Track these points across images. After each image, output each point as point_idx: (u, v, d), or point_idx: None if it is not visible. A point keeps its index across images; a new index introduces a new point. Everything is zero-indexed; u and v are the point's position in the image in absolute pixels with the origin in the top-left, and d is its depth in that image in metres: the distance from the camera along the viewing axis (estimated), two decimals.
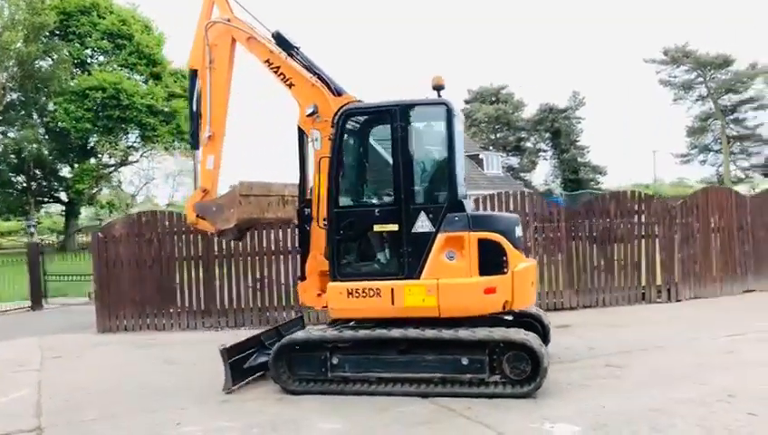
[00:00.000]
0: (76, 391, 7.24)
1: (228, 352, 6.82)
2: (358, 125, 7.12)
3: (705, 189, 13.13)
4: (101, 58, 45.36)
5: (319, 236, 7.01)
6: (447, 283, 6.37)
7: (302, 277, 7.23)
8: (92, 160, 45.88)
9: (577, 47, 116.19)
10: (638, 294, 11.55)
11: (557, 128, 60.84)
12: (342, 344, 6.63)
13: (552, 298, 11.15)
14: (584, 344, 8.28)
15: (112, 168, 48.16)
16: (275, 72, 7.22)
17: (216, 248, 10.97)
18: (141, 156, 47.65)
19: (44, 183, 46.71)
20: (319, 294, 7.08)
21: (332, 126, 6.77)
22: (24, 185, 45.48)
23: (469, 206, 6.94)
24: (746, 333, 8.65)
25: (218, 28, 7.58)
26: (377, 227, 6.66)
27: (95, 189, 46.25)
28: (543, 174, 64.86)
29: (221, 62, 7.58)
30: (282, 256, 10.91)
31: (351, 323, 6.92)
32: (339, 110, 6.83)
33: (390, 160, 6.74)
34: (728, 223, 12.24)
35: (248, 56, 7.53)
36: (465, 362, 6.30)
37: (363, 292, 6.54)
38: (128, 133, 45.88)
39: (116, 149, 46.36)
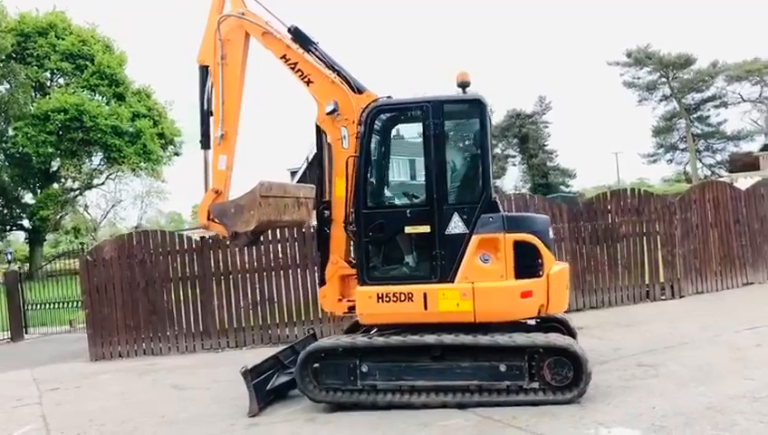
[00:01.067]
0: (87, 424, 6.77)
1: (250, 374, 6.44)
2: (388, 122, 6.85)
3: (702, 184, 13.14)
4: (61, 80, 44.31)
5: (339, 240, 6.72)
6: (483, 286, 6.10)
7: (322, 282, 6.90)
8: (56, 185, 44.70)
9: (541, 52, 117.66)
10: (643, 292, 11.47)
11: (525, 133, 61.26)
12: (373, 351, 6.29)
13: None
14: (607, 346, 8.09)
15: (77, 191, 46.99)
16: (292, 69, 6.86)
17: (212, 266, 10.56)
18: (107, 178, 46.59)
19: (6, 211, 45.32)
20: (340, 299, 6.77)
21: (360, 124, 6.47)
22: None
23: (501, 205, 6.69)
24: (766, 326, 8.56)
25: (231, 22, 7.16)
26: (408, 229, 6.36)
27: (59, 215, 45.04)
28: (513, 179, 65.21)
29: (234, 57, 7.15)
30: (282, 272, 10.54)
31: (374, 330, 6.60)
32: (367, 106, 6.52)
33: (422, 159, 6.45)
34: (725, 217, 12.26)
35: (261, 52, 7.16)
36: (502, 368, 6.04)
37: (394, 296, 6.23)
38: (92, 156, 44.85)
39: (80, 172, 45.31)
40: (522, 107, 62.90)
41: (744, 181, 24.12)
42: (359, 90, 6.76)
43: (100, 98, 43.04)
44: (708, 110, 55.77)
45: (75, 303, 16.90)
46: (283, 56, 6.92)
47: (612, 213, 11.46)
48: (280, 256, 10.56)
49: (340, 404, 6.34)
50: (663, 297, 11.48)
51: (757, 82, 53.17)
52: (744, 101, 55.19)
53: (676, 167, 59.97)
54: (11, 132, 41.76)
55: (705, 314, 9.83)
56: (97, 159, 45.03)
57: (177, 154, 45.89)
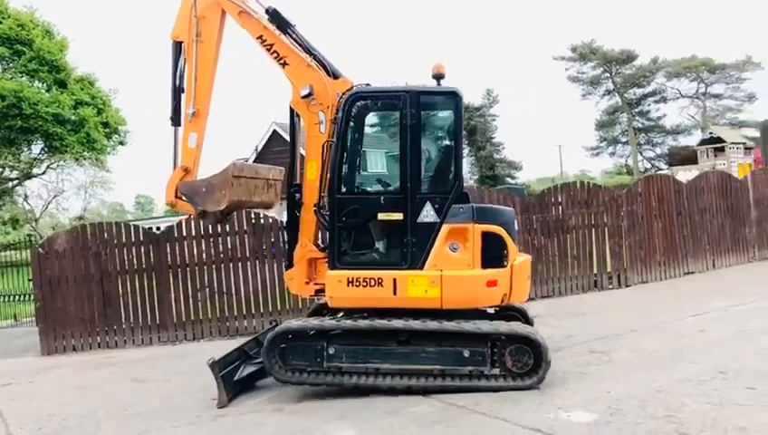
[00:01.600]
0: (48, 419, 6.68)
1: (218, 365, 6.47)
2: (365, 110, 6.94)
3: (647, 178, 13.64)
4: None
5: (309, 223, 6.83)
6: (451, 274, 6.27)
7: (289, 265, 6.98)
8: None
9: (489, 46, 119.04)
10: (591, 282, 11.90)
11: (473, 126, 61.98)
12: (340, 334, 6.41)
13: None
14: (560, 334, 8.39)
15: (15, 181, 45.43)
16: (268, 50, 6.88)
17: (169, 258, 10.46)
18: (48, 168, 45.17)
19: None
20: (307, 282, 6.88)
21: (338, 109, 6.55)
22: None
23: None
24: (708, 313, 9.04)
25: (208, 0, 7.12)
26: (381, 216, 6.47)
27: None
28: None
29: (209, 35, 7.11)
30: (240, 263, 10.52)
31: (340, 314, 6.70)
32: (346, 92, 6.60)
33: (398, 147, 6.58)
34: (669, 209, 12.79)
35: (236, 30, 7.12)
36: (466, 354, 6.24)
37: (364, 281, 6.34)
38: (31, 144, 43.39)
39: (18, 161, 43.80)
40: (469, 100, 63.61)
41: (683, 174, 25.11)
42: (335, 75, 6.84)
43: (41, 84, 41.62)
44: (649, 104, 57.80)
45: (20, 296, 16.51)
46: (260, 37, 6.93)
47: (563, 205, 11.82)
48: (237, 247, 10.54)
49: (307, 385, 6.47)
50: (610, 286, 11.93)
51: (694, 78, 55.26)
52: (683, 96, 57.35)
53: (618, 160, 61.91)
54: None
55: (651, 303, 10.28)
56: (37, 147, 43.58)
57: (121, 144, 44.80)
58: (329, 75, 6.80)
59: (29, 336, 11.80)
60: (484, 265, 6.39)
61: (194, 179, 7.04)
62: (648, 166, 56.55)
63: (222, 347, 7.68)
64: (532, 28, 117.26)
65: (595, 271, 11.98)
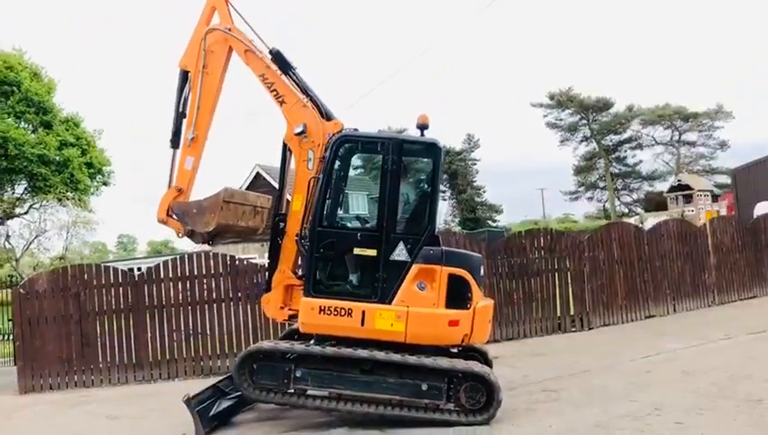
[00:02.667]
0: None
1: (193, 401, 6.85)
2: (351, 152, 7.50)
3: (609, 225, 14.26)
4: None
5: (289, 251, 7.32)
6: (417, 311, 6.75)
7: (268, 289, 7.43)
8: None
9: (470, 92, 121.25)
10: (555, 325, 12.37)
11: (454, 169, 63.16)
12: (308, 358, 6.82)
13: None
14: (518, 373, 8.84)
15: None
16: (269, 88, 7.48)
17: (146, 299, 10.83)
18: (30, 207, 45.29)
19: None
20: (282, 307, 7.33)
21: (326, 149, 7.09)
22: None
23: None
24: (659, 354, 9.54)
25: (217, 36, 7.72)
26: (356, 250, 6.97)
27: None
28: (443, 213, 66.92)
29: (215, 68, 7.71)
30: (215, 305, 10.91)
31: (312, 341, 7.08)
32: (335, 134, 7.16)
33: (378, 189, 7.13)
34: (630, 255, 13.36)
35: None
36: (424, 387, 6.67)
37: (335, 310, 6.80)
38: (15, 184, 43.62)
39: (1, 201, 43.91)
40: (451, 144, 64.90)
41: (652, 220, 25.86)
42: (328, 117, 7.44)
43: (27, 125, 42.08)
44: (625, 151, 59.41)
45: None
46: (262, 75, 7.54)
47: (527, 250, 12.37)
48: (213, 289, 10.94)
49: (271, 403, 6.91)
50: (573, 329, 12.41)
51: (668, 126, 56.87)
52: (658, 143, 58.88)
53: (597, 204, 63.09)
54: None
55: (608, 345, 10.76)
56: (21, 187, 43.85)
57: (105, 184, 45.06)
58: (322, 116, 7.41)
59: (6, 375, 12.04)
60: (449, 305, 6.88)
61: (187, 200, 7.53)
62: (626, 210, 57.79)
63: (197, 386, 7.97)
64: (512, 75, 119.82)
65: (559, 314, 12.46)
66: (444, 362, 6.72)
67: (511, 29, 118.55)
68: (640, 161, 59.61)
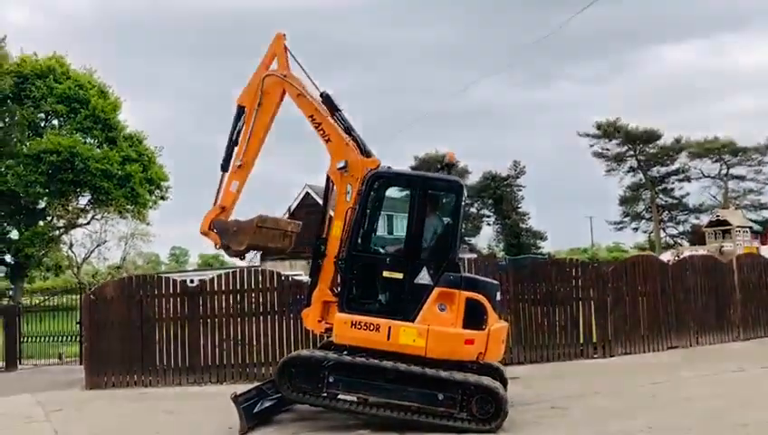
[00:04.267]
0: None
1: (239, 399, 7.91)
2: (384, 188, 8.46)
3: (633, 258, 14.90)
4: (56, 122, 45.85)
5: (328, 272, 8.30)
6: (436, 329, 7.68)
7: (308, 304, 8.44)
8: (41, 223, 45.73)
9: (518, 117, 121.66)
10: (578, 351, 13.03)
11: (499, 195, 63.64)
12: (340, 367, 7.80)
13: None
14: (533, 392, 9.64)
15: (62, 230, 47.99)
16: (316, 127, 8.55)
17: (200, 309, 12.00)
18: (92, 218, 47.73)
19: None
20: (320, 320, 8.31)
21: (362, 183, 8.13)
22: None
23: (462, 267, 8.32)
24: (668, 382, 10.20)
25: (274, 80, 8.80)
26: (385, 273, 7.98)
27: (43, 252, 45.93)
28: (487, 238, 67.41)
29: (268, 107, 8.81)
30: (262, 317, 12.01)
31: (345, 351, 7.99)
32: (370, 171, 8.18)
33: (405, 220, 8.14)
34: (653, 287, 13.95)
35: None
36: (440, 397, 7.58)
37: (365, 325, 7.78)
38: (79, 196, 46.10)
39: (67, 211, 46.42)
40: (497, 170, 65.49)
41: (689, 254, 26.08)
42: (367, 154, 8.47)
43: (93, 141, 44.57)
44: (672, 182, 58.97)
45: (65, 337, 18.13)
46: (311, 116, 8.62)
47: (552, 279, 13.13)
48: (261, 302, 12.05)
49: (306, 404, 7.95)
50: (595, 356, 13.05)
51: (717, 159, 56.33)
52: (705, 176, 58.34)
53: (642, 235, 62.66)
54: (1, 170, 43.04)
55: (624, 372, 11.43)
56: (84, 199, 46.35)
57: (162, 198, 47.24)
58: (362, 154, 8.43)
59: (71, 373, 13.46)
60: (465, 325, 7.79)
61: (227, 220, 8.67)
62: (671, 242, 57.26)
63: (243, 389, 9.08)
64: (559, 102, 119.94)
65: (582, 341, 13.14)
66: (458, 376, 7.61)
67: (560, 56, 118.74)
68: (687, 194, 59.33)
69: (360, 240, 8.16)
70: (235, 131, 9.01)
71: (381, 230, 9.13)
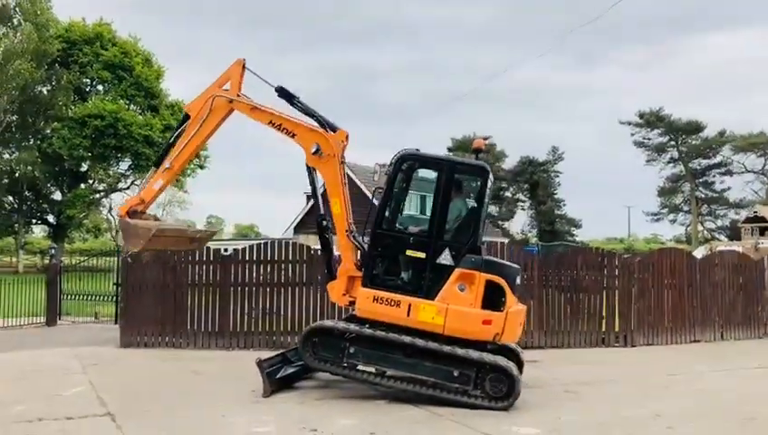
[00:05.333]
0: (127, 390, 8.65)
1: (263, 364, 8.29)
2: (411, 169, 8.66)
3: (661, 250, 14.89)
4: (100, 87, 46.97)
5: (346, 247, 8.64)
6: (455, 308, 7.93)
7: (331, 277, 8.76)
8: (83, 186, 47.06)
9: (557, 104, 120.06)
10: (599, 339, 13.16)
11: (536, 180, 63.27)
12: (360, 339, 8.12)
13: (523, 337, 12.60)
14: (550, 375, 9.85)
15: (102, 193, 49.30)
16: (278, 129, 8.86)
17: (231, 278, 12.43)
18: (132, 184, 48.93)
19: (34, 205, 47.76)
20: (344, 294, 8.63)
21: (390, 164, 8.39)
22: (15, 205, 46.52)
23: (484, 251, 8.52)
24: (684, 374, 10.32)
25: (222, 102, 9.10)
26: (408, 252, 8.24)
27: (84, 214, 47.29)
28: (521, 223, 67.23)
29: (210, 123, 9.14)
30: (290, 288, 12.39)
31: (367, 325, 8.28)
32: (398, 153, 8.43)
33: (431, 202, 8.37)
34: (679, 280, 13.96)
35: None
36: (455, 373, 7.85)
37: (387, 301, 8.07)
38: (120, 161, 47.27)
39: (108, 175, 47.64)
40: (535, 155, 65.01)
41: (723, 249, 25.79)
42: (333, 129, 8.75)
43: (136, 108, 45.63)
44: (714, 176, 57.93)
45: (101, 297, 18.85)
46: (270, 122, 8.95)
47: (578, 267, 13.24)
48: (289, 274, 12.43)
49: (328, 373, 8.37)
50: (617, 344, 13.17)
51: (761, 154, 55.05)
52: (748, 171, 57.08)
53: (679, 228, 61.78)
54: (47, 132, 44.34)
55: (643, 362, 11.55)
56: (125, 164, 47.53)
57: (201, 167, 48.16)
58: (328, 130, 8.71)
59: (106, 332, 14.07)
60: (484, 306, 8.02)
61: (133, 221, 9.03)
62: (708, 237, 56.35)
63: (268, 355, 9.48)
64: (601, 89, 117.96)
65: (603, 330, 13.26)
66: (474, 354, 7.86)
67: (604, 44, 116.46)
68: (728, 188, 58.20)
69: (384, 219, 8.40)
70: (176, 134, 9.44)
71: (414, 210, 9.31)
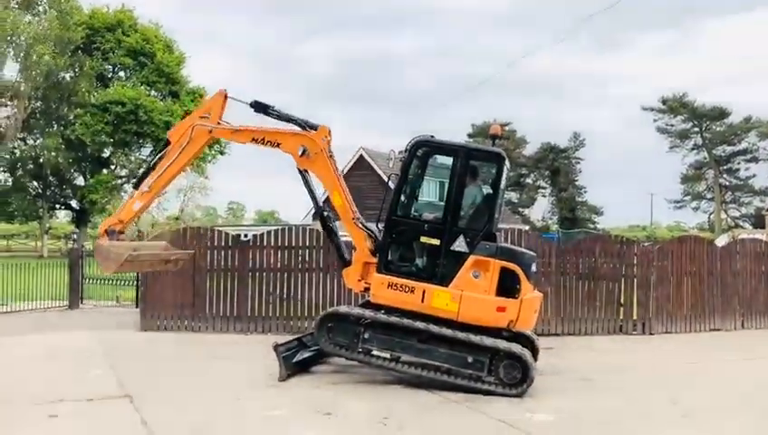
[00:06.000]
0: (146, 372, 8.80)
1: (280, 348, 8.38)
2: (426, 155, 8.68)
3: (680, 238, 14.74)
4: (122, 74, 47.31)
5: (356, 235, 8.70)
6: (469, 295, 7.94)
7: (346, 263, 8.84)
8: (105, 171, 47.57)
9: (580, 88, 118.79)
10: (617, 326, 13.10)
11: (557, 167, 62.82)
12: (375, 324, 8.19)
13: (539, 324, 12.58)
14: (565, 363, 9.83)
15: (124, 179, 49.78)
16: (263, 143, 8.96)
17: (249, 262, 12.53)
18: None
19: (58, 190, 48.41)
20: (359, 280, 8.68)
21: (405, 150, 8.40)
22: (39, 191, 47.21)
23: (500, 238, 8.52)
24: (703, 362, 10.24)
25: (201, 130, 9.18)
26: (423, 239, 8.26)
27: (106, 199, 47.81)
28: (541, 210, 66.80)
29: (190, 151, 9.24)
30: (307, 274, 12.47)
31: (382, 311, 8.34)
32: (413, 139, 8.43)
33: (446, 188, 8.38)
34: (700, 268, 13.82)
35: None
36: (469, 360, 7.87)
37: (401, 287, 8.11)
38: (142, 147, 47.68)
39: (130, 161, 48.10)
40: (556, 141, 64.47)
41: (746, 237, 25.45)
42: (313, 128, 8.81)
43: (157, 94, 45.91)
44: (738, 163, 57.05)
45: (123, 281, 19.11)
46: (253, 139, 9.05)
47: (596, 254, 13.16)
48: (306, 259, 12.50)
49: (343, 357, 8.41)
50: (635, 332, 13.10)
51: None
52: None
53: (702, 215, 61.02)
54: (71, 118, 44.82)
55: (661, 349, 11.49)
56: (147, 150, 47.90)
57: (221, 153, 48.39)
58: (309, 130, 8.79)
59: (126, 315, 14.28)
60: (499, 293, 8.02)
61: (108, 244, 9.04)
62: (732, 224, 55.57)
63: (284, 340, 9.58)
64: (623, 75, 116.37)
65: (621, 317, 13.18)
66: (488, 341, 7.87)
67: (624, 29, 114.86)
68: (754, 175, 57.18)
69: (399, 205, 8.41)
70: (156, 158, 9.64)
71: (430, 197, 9.31)
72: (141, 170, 9.84)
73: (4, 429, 6.25)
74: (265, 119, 9.24)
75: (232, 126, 9.27)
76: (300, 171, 8.89)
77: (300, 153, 8.68)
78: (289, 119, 9.04)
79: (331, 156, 8.77)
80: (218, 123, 9.27)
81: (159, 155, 9.55)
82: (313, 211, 9.56)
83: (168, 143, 9.40)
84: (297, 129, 8.91)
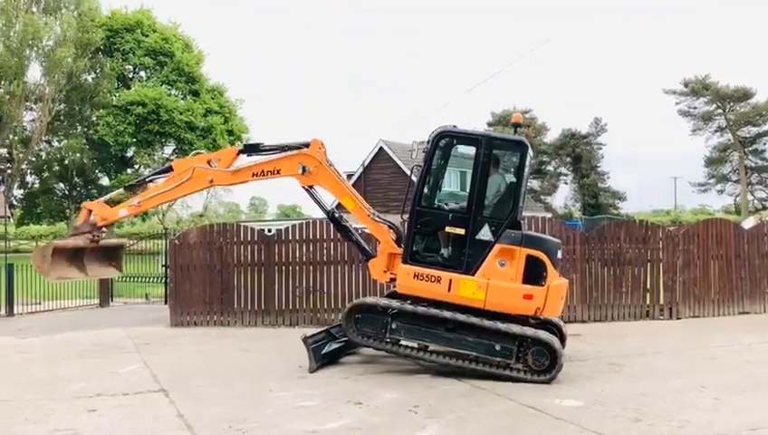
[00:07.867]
0: (178, 367, 8.97)
1: (309, 340, 8.50)
2: (449, 145, 8.70)
3: (706, 221, 14.59)
4: (143, 74, 47.80)
5: (377, 230, 8.92)
6: (495, 283, 7.99)
7: (370, 256, 9.02)
8: (129, 171, 48.14)
9: (600, 74, 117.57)
10: (643, 312, 13.05)
11: (578, 153, 62.28)
12: (402, 314, 8.28)
13: (566, 311, 12.59)
14: (593, 349, 9.84)
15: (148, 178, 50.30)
16: (264, 175, 9.23)
17: (276, 256, 12.68)
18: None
19: (84, 191, 49.10)
20: (385, 271, 8.80)
21: (428, 142, 8.45)
22: (66, 192, 47.96)
23: (524, 226, 8.54)
24: (732, 346, 10.19)
25: (202, 173, 9.42)
26: (448, 229, 8.31)
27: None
28: (564, 197, 66.29)
29: (188, 187, 9.57)
30: (333, 266, 12.59)
31: (408, 301, 8.43)
32: (436, 130, 8.49)
33: (469, 178, 8.42)
34: (727, 251, 13.71)
35: None
36: (497, 347, 7.93)
37: (427, 277, 8.17)
38: (164, 146, 48.19)
39: (153, 160, 48.60)
40: (577, 127, 63.92)
41: (753, 221, 25.23)
42: (305, 145, 9.03)
43: (177, 93, 46.33)
44: (764, 144, 56.00)
45: (151, 278, 19.44)
46: (253, 174, 9.31)
47: (621, 240, 13.10)
48: (332, 252, 12.61)
49: (371, 348, 8.54)
50: (661, 317, 13.04)
51: None
52: None
53: (728, 198, 60.14)
54: (93, 119, 45.41)
55: (689, 334, 11.44)
56: (169, 149, 48.41)
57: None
58: (302, 148, 9.02)
59: (156, 312, 14.54)
60: (525, 281, 8.05)
61: (55, 244, 9.58)
62: (759, 207, 54.73)
63: (313, 332, 9.69)
64: (644, 59, 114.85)
65: (648, 302, 13.13)
66: (515, 328, 7.91)
67: (647, 11, 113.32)
68: None
69: (423, 196, 8.47)
70: (157, 174, 10.12)
71: (453, 187, 9.37)
72: (136, 179, 10.49)
73: (48, 423, 6.44)
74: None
75: (229, 169, 9.48)
76: (305, 189, 9.13)
77: (300, 172, 8.93)
78: (280, 147, 9.30)
79: (330, 165, 9.03)
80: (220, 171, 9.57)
81: (158, 172, 10.12)
82: (335, 204, 9.71)
83: (170, 168, 9.74)
84: (290, 152, 9.10)
